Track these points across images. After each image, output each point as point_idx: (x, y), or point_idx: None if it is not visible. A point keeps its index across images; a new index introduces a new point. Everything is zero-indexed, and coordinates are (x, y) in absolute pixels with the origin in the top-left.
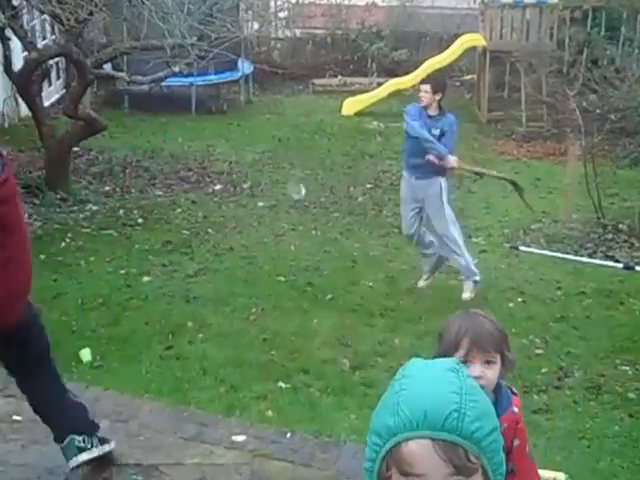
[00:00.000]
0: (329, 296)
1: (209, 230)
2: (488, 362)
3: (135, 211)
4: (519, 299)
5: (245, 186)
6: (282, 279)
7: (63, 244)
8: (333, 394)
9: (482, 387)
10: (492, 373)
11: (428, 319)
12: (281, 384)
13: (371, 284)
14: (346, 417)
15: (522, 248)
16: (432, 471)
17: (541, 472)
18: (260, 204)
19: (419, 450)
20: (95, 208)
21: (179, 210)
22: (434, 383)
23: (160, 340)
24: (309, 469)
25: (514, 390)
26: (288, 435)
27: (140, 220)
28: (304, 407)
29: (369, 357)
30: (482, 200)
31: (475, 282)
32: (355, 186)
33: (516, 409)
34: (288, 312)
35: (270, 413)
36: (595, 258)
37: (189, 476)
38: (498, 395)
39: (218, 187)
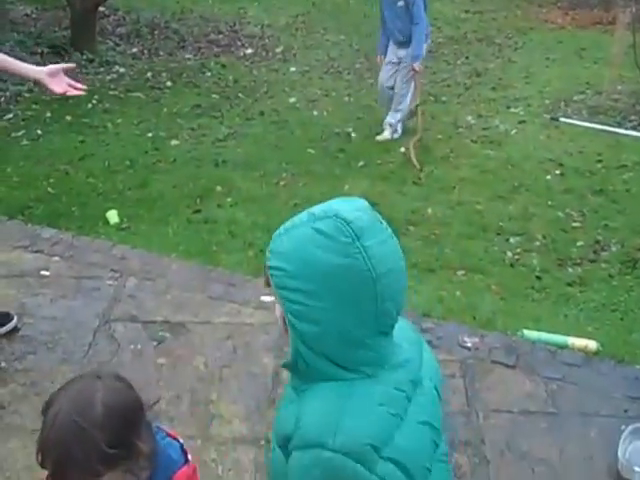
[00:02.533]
0: (361, 163)
1: (239, 94)
2: None
3: (163, 74)
4: (557, 171)
5: (277, 50)
6: (313, 144)
7: (89, 106)
8: None
9: None
10: None
11: (462, 189)
12: None
13: (404, 151)
14: None
15: (563, 119)
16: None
17: (573, 339)
18: (292, 69)
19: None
20: (122, 70)
21: (209, 74)
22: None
23: (188, 204)
24: None
25: (189, 457)
26: None
27: (169, 83)
28: None
29: (401, 225)
30: (523, 69)
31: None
32: None
33: None
34: (319, 178)
35: None
36: (639, 131)
37: (216, 334)
38: (153, 471)
39: (249, 51)
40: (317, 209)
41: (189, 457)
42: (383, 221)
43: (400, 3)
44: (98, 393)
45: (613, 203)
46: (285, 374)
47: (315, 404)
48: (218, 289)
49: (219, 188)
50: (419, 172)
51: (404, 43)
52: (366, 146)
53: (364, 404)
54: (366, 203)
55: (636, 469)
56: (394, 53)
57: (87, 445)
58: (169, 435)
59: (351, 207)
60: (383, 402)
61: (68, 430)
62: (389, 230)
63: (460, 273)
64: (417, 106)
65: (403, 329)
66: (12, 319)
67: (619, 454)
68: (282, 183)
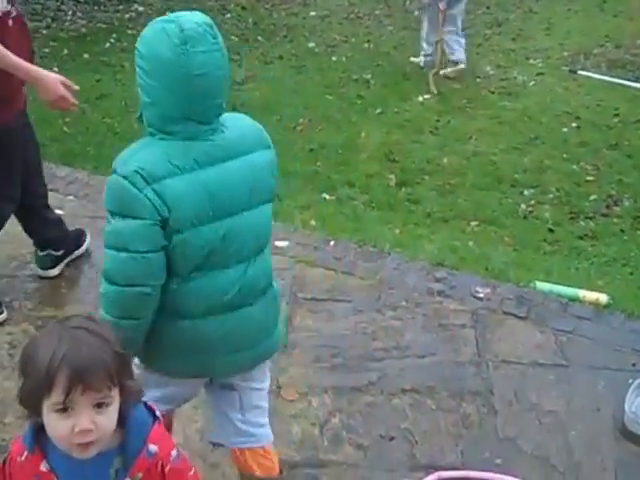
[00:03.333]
0: (378, 110)
1: (259, 37)
2: (100, 405)
3: None
4: (573, 124)
5: None
6: (331, 90)
7: (107, 44)
8: (378, 208)
9: (92, 443)
10: (107, 419)
11: (478, 139)
12: (325, 195)
13: (422, 100)
14: (390, 231)
15: (581, 72)
16: None
17: (584, 292)
18: (312, 13)
19: None
20: (141, 9)
21: (228, 15)
22: None
23: None
24: (351, 277)
25: (157, 413)
26: (332, 243)
27: None
28: (348, 219)
29: (416, 174)
30: (543, 21)
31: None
32: (412, 0)
33: (154, 447)
34: (336, 124)
35: (314, 222)
36: None
37: None
38: (126, 434)
39: None
40: (173, 15)
41: (157, 412)
42: (218, 37)
43: None
44: (91, 325)
45: (628, 158)
46: (298, 318)
47: (130, 148)
48: None
49: None
50: (435, 95)
51: None
52: (384, 94)
53: (154, 150)
54: (207, 20)
55: None
56: None
57: (105, 357)
58: None
59: (192, 20)
60: (169, 154)
61: (79, 337)
62: (219, 45)
63: (473, 224)
64: (437, 42)
65: (250, 128)
66: (85, 239)
67: (626, 407)
68: (299, 128)
